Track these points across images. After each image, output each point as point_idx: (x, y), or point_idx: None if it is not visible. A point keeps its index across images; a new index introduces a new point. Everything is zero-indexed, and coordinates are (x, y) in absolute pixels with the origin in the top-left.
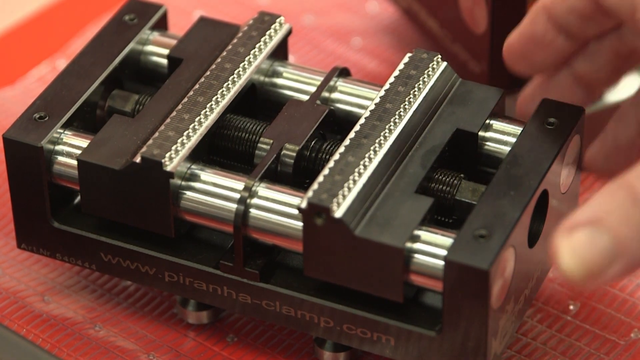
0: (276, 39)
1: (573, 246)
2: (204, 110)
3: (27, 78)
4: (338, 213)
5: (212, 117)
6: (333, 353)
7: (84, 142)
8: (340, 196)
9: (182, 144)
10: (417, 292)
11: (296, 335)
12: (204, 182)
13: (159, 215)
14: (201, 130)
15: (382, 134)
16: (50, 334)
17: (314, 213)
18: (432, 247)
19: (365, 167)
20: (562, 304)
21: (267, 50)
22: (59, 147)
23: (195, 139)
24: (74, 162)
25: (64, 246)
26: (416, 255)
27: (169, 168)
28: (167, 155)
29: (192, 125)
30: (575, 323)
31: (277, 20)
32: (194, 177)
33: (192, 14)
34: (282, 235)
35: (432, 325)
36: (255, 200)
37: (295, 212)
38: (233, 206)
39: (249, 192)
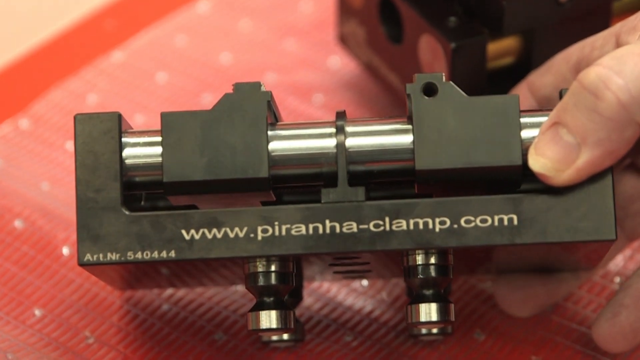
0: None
1: (539, 148)
2: None
3: None
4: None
5: None
6: (426, 304)
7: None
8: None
9: None
10: None
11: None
12: (293, 129)
13: (254, 155)
14: None
15: None
16: None
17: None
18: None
19: None
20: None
21: None
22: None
23: None
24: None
25: (138, 238)
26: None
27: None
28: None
29: None
30: None
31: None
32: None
33: (156, 76)
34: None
35: (549, 189)
36: (350, 128)
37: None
38: (331, 140)
39: (342, 127)
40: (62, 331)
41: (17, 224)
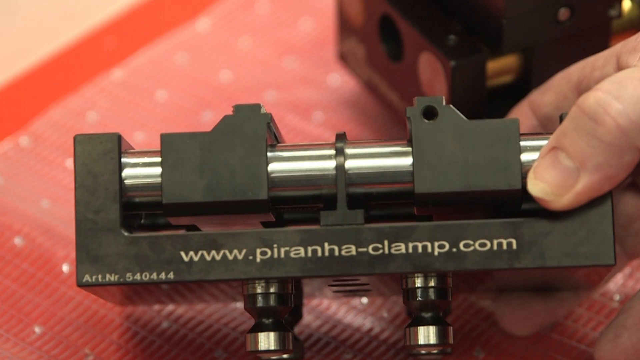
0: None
1: (538, 173)
2: None
3: None
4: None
5: None
6: (425, 327)
7: None
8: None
9: None
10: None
11: None
12: (292, 151)
13: (253, 177)
14: None
15: None
16: None
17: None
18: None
19: None
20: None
21: None
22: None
23: None
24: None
25: (137, 259)
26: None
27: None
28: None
29: None
30: None
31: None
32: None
33: (156, 94)
34: (384, 172)
35: (549, 213)
36: (350, 150)
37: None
38: (331, 162)
39: (342, 149)
40: (62, 349)
41: (17, 241)
